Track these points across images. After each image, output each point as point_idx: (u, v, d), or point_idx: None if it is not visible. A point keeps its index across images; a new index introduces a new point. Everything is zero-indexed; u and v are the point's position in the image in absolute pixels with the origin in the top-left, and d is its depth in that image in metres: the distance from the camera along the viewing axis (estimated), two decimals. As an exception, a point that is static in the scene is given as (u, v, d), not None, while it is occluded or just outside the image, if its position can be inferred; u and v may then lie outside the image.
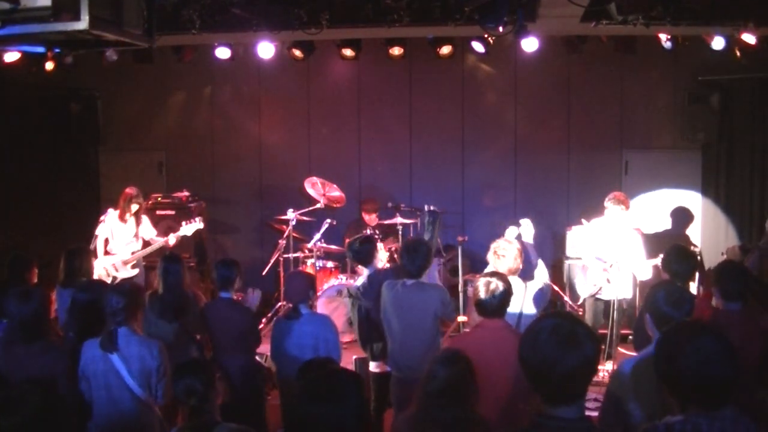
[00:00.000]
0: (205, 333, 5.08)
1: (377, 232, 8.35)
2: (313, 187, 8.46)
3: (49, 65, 8.02)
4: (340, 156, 9.58)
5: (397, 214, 8.41)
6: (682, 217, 7.55)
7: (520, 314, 4.50)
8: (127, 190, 7.15)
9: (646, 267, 6.43)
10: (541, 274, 4.92)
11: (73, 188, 9.40)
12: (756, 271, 5.64)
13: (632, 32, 7.10)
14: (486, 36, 7.61)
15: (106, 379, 3.98)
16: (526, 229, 5.14)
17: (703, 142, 8.81)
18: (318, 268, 8.02)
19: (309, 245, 8.18)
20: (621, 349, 6.80)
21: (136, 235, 7.16)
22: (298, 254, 8.29)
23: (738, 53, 7.29)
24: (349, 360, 6.10)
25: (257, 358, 5.41)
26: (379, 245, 8.04)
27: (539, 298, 4.68)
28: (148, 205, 7.92)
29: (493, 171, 9.48)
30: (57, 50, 6.44)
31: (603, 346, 6.41)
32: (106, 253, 7.01)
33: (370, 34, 7.72)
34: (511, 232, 5.07)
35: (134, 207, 7.08)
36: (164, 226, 7.65)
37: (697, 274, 6.55)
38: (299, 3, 6.49)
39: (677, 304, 3.31)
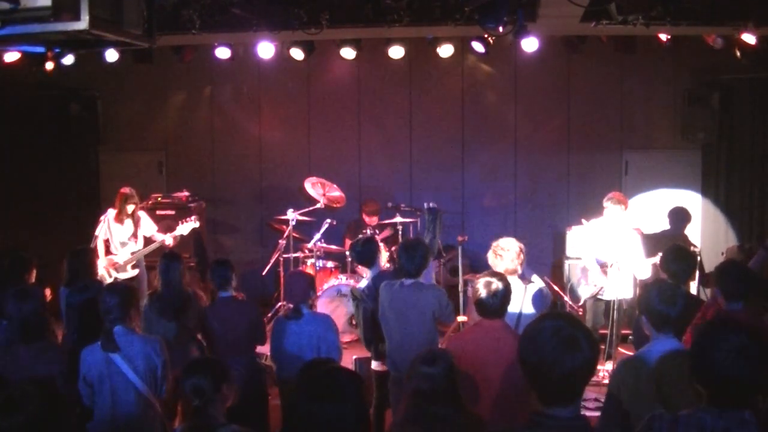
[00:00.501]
0: (205, 333, 5.08)
1: (377, 232, 8.36)
2: (313, 187, 8.46)
3: (49, 65, 8.02)
4: (340, 156, 9.58)
5: (397, 214, 8.41)
6: (681, 217, 7.54)
7: (520, 314, 4.50)
8: (122, 189, 7.16)
9: (645, 266, 6.44)
10: (537, 280, 4.93)
11: (73, 188, 9.40)
12: (760, 270, 5.62)
13: (632, 32, 7.10)
14: (486, 36, 7.61)
15: (111, 382, 3.96)
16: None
17: (703, 142, 8.81)
18: (318, 268, 8.02)
19: (309, 245, 8.18)
20: (621, 349, 6.80)
21: (135, 235, 7.16)
22: (298, 254, 8.29)
23: (738, 53, 7.29)
24: (349, 360, 6.10)
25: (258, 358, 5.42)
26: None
27: (540, 299, 4.67)
28: (147, 205, 7.92)
29: (493, 171, 9.48)
30: (57, 50, 6.45)
31: (603, 346, 6.42)
32: (108, 253, 7.01)
33: (370, 34, 7.72)
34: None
35: (130, 207, 7.07)
36: (164, 226, 7.65)
37: (697, 274, 6.56)
38: (299, 3, 6.49)
39: (671, 301, 3.31)
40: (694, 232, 8.19)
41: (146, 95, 9.72)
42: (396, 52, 8.32)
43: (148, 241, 7.20)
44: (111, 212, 7.07)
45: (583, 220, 6.90)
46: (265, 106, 9.72)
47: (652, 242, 6.94)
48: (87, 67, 8.58)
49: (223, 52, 8.20)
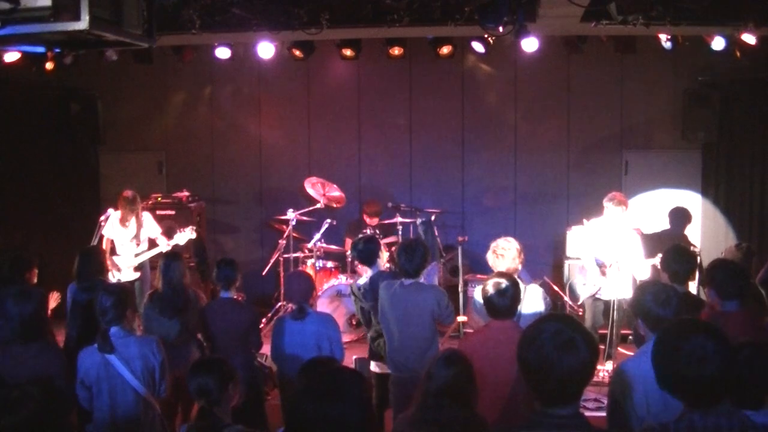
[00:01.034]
0: (204, 333, 5.08)
1: (377, 231, 8.35)
2: (313, 187, 8.46)
3: (49, 65, 8.02)
4: (340, 156, 9.58)
5: (397, 214, 8.42)
6: (681, 216, 7.54)
7: (519, 314, 4.50)
8: (124, 193, 7.15)
9: (644, 266, 6.44)
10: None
11: (73, 188, 9.40)
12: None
13: (632, 32, 7.10)
14: (486, 36, 7.61)
15: (110, 384, 3.97)
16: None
17: (703, 142, 8.81)
18: (318, 268, 8.02)
19: (309, 245, 8.18)
20: (621, 349, 6.80)
21: (137, 237, 7.15)
22: (298, 254, 8.29)
23: (738, 53, 7.29)
24: (349, 360, 6.10)
25: (258, 358, 5.42)
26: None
27: (542, 300, 4.67)
28: (147, 205, 7.91)
29: (493, 171, 9.48)
30: (57, 50, 6.44)
31: (603, 346, 6.42)
32: (113, 253, 7.01)
33: (370, 34, 7.72)
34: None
35: (131, 210, 7.06)
36: (164, 226, 7.65)
37: (697, 274, 6.56)
38: (299, 3, 6.49)
39: (666, 304, 3.32)
40: (694, 232, 8.19)
41: (146, 95, 9.72)
42: (396, 52, 8.32)
43: (151, 243, 7.20)
44: (114, 213, 7.06)
45: (584, 220, 6.90)
46: (265, 106, 9.72)
47: (652, 242, 6.95)
48: (87, 67, 8.59)
49: (223, 52, 8.20)
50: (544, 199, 9.30)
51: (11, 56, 7.24)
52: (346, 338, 7.65)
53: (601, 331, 6.61)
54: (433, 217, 8.60)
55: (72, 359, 4.14)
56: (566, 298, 7.48)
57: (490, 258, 4.75)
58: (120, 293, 4.14)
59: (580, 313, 7.06)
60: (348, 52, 8.28)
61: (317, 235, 8.10)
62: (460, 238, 7.86)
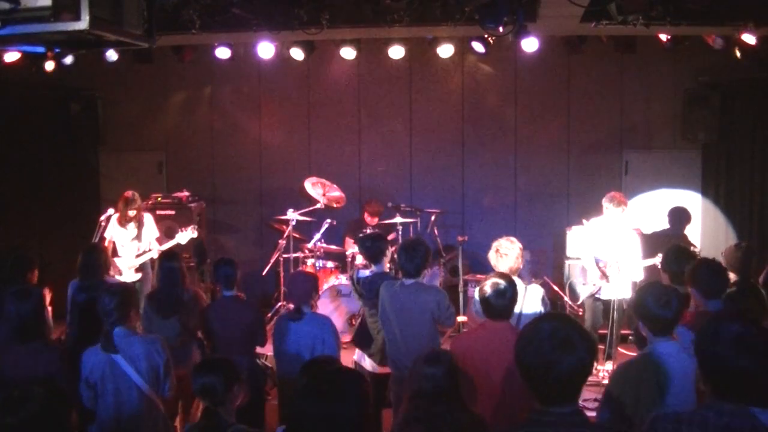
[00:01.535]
0: (205, 332, 5.09)
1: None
2: (313, 187, 8.46)
3: (49, 65, 8.02)
4: (340, 156, 9.58)
5: (397, 214, 8.42)
6: (681, 216, 7.54)
7: (520, 314, 4.50)
8: (125, 193, 7.15)
9: (638, 268, 6.45)
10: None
11: (73, 188, 9.40)
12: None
13: (632, 32, 7.10)
14: (486, 36, 7.61)
15: (115, 384, 3.97)
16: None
17: (703, 142, 8.80)
18: (318, 268, 8.02)
19: (309, 245, 8.18)
20: (621, 349, 6.80)
21: (138, 238, 7.15)
22: (298, 254, 8.29)
23: (738, 53, 7.29)
24: (349, 360, 6.10)
25: (258, 358, 5.42)
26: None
27: (541, 302, 4.67)
28: (147, 205, 7.92)
29: (493, 171, 9.48)
30: (57, 50, 6.45)
31: (602, 346, 6.42)
32: (114, 254, 7.01)
33: (370, 34, 7.72)
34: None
35: (132, 212, 7.06)
36: (164, 226, 7.65)
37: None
38: (299, 3, 6.49)
39: (667, 305, 3.33)
40: (694, 232, 8.19)
41: (146, 95, 9.72)
42: (396, 52, 8.32)
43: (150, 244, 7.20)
44: (113, 213, 7.06)
45: (584, 220, 6.90)
46: (265, 106, 9.72)
47: (652, 242, 6.95)
48: (87, 67, 8.58)
49: (223, 52, 8.21)
50: (544, 199, 9.29)
51: (11, 56, 7.24)
52: (345, 338, 7.66)
53: (601, 331, 6.61)
54: (433, 217, 8.60)
55: (72, 359, 4.14)
56: (566, 298, 7.48)
57: (493, 257, 4.74)
58: (123, 294, 4.14)
59: (580, 313, 7.06)
60: (348, 52, 8.28)
61: (317, 235, 8.11)
62: (460, 238, 7.87)
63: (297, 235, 8.39)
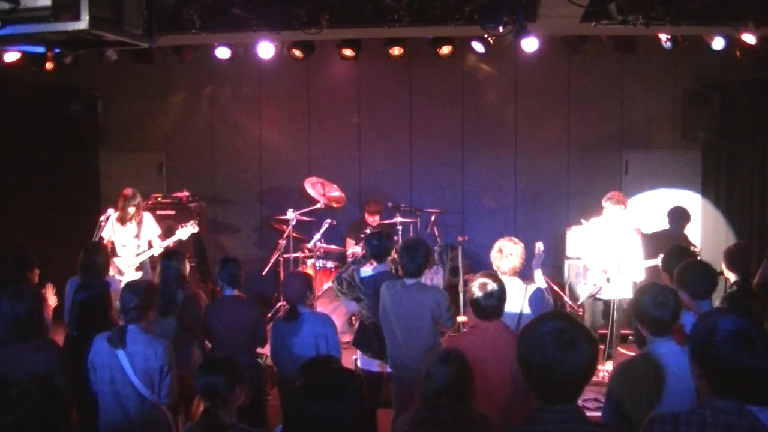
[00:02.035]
0: (206, 332, 5.09)
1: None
2: (313, 187, 8.46)
3: (49, 65, 8.02)
4: (340, 156, 9.58)
5: (397, 214, 8.41)
6: (681, 216, 7.54)
7: (520, 314, 4.50)
8: (125, 191, 7.15)
9: (639, 268, 6.44)
10: (539, 280, 4.92)
11: (73, 188, 9.40)
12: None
13: (632, 32, 7.10)
14: (486, 36, 7.61)
15: (111, 373, 4.03)
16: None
17: (703, 142, 8.81)
18: (318, 268, 8.01)
19: (309, 245, 8.18)
20: (621, 349, 6.80)
21: (138, 236, 7.15)
22: (298, 254, 8.29)
23: (738, 53, 7.29)
24: (349, 360, 6.10)
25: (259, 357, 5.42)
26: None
27: (541, 299, 4.66)
28: (147, 205, 7.91)
29: (493, 171, 9.48)
30: (57, 50, 6.43)
31: (603, 346, 6.42)
32: (113, 254, 7.01)
33: (370, 34, 7.72)
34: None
35: (131, 209, 7.05)
36: (164, 226, 7.65)
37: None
38: (299, 3, 6.49)
39: (663, 306, 3.32)
40: (694, 232, 8.19)
41: (146, 95, 9.72)
42: (396, 52, 8.32)
43: (151, 244, 7.20)
44: (114, 214, 7.06)
45: (582, 221, 6.90)
46: (265, 106, 9.73)
47: (652, 242, 6.95)
48: (87, 67, 8.59)
49: (223, 52, 8.21)
50: (544, 199, 9.30)
51: (11, 56, 7.24)
52: (345, 338, 7.66)
53: (601, 331, 6.61)
54: (433, 217, 8.60)
55: (72, 357, 4.15)
56: (566, 298, 7.49)
57: (496, 258, 4.72)
58: (145, 293, 4.19)
59: (580, 313, 7.07)
60: (348, 52, 8.29)
61: (317, 235, 8.10)
62: (460, 238, 7.86)
63: (297, 235, 8.39)
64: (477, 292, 3.91)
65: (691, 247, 6.54)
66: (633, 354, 4.29)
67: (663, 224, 7.71)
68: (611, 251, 6.35)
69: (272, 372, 5.75)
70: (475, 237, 8.57)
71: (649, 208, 8.75)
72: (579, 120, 9.24)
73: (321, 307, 7.49)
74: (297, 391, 2.43)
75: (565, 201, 9.24)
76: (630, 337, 7.10)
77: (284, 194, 9.36)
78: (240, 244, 9.75)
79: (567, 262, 7.91)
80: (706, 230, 8.90)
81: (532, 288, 4.69)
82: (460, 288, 7.33)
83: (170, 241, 7.07)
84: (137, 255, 7.10)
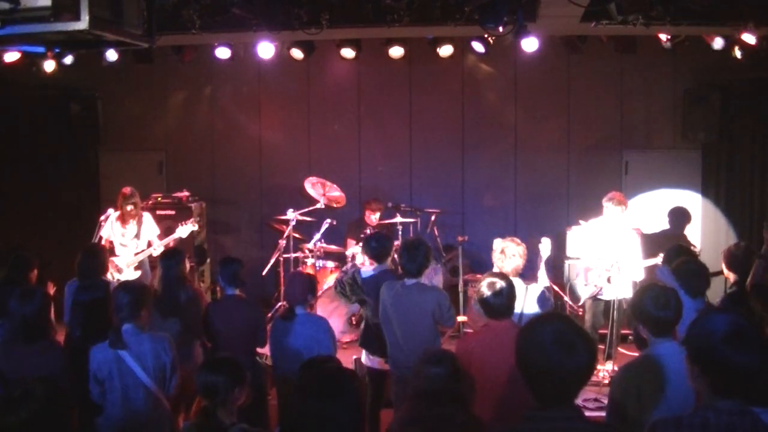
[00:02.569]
0: (207, 331, 5.09)
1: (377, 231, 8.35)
2: (313, 187, 8.46)
3: (49, 65, 8.02)
4: (340, 156, 9.57)
5: (397, 214, 8.41)
6: (681, 216, 7.55)
7: (521, 314, 4.50)
8: (123, 189, 7.15)
9: (639, 268, 6.44)
10: (542, 279, 4.93)
11: (73, 188, 9.40)
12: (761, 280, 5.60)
13: (632, 32, 7.10)
14: (486, 36, 7.61)
15: (122, 381, 4.00)
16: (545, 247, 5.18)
17: (703, 142, 8.81)
18: (318, 268, 8.01)
19: (309, 245, 8.18)
20: (621, 349, 6.80)
21: (138, 236, 7.15)
22: (298, 254, 8.29)
23: (738, 53, 7.29)
24: (349, 360, 6.10)
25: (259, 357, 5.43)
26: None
27: (542, 299, 4.67)
28: (147, 205, 7.91)
29: (493, 171, 9.48)
30: (57, 50, 6.45)
31: (603, 346, 6.42)
32: (111, 254, 7.01)
33: (370, 34, 7.72)
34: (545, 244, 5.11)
35: (130, 207, 7.05)
36: (164, 226, 7.64)
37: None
38: (299, 3, 6.49)
39: (665, 306, 3.32)
40: (694, 232, 8.19)
41: (146, 95, 9.71)
42: (396, 52, 8.32)
43: (150, 244, 7.20)
44: (114, 213, 7.06)
45: (581, 221, 6.90)
46: (265, 106, 9.72)
47: (652, 242, 6.95)
48: (87, 67, 8.58)
49: (223, 52, 8.20)
50: (544, 199, 9.29)
51: (11, 56, 7.23)
52: (345, 338, 7.67)
53: (601, 331, 6.61)
54: (433, 217, 8.60)
55: (76, 358, 4.15)
56: (566, 298, 7.48)
57: (499, 258, 4.73)
58: (137, 291, 4.19)
59: (580, 313, 7.06)
60: (348, 52, 8.28)
61: (317, 235, 8.10)
62: (460, 238, 7.86)
63: (297, 235, 8.39)
64: (486, 291, 3.93)
65: (691, 248, 6.55)
66: (633, 354, 4.30)
67: (663, 224, 7.72)
68: (611, 251, 6.34)
69: (272, 371, 5.76)
70: (475, 237, 8.56)
71: (649, 208, 8.75)
72: (579, 120, 9.24)
73: (321, 307, 7.48)
74: (295, 390, 2.44)
75: (565, 201, 9.24)
76: (630, 337, 7.09)
77: (284, 194, 9.35)
78: (240, 244, 9.74)
79: (567, 262, 7.91)
80: (706, 230, 8.89)
81: (533, 288, 4.70)
82: (460, 288, 7.34)
83: (170, 239, 7.08)
84: (136, 254, 7.09)
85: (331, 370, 2.68)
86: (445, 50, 8.18)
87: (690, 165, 9.01)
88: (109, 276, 6.75)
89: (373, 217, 8.50)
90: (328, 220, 8.13)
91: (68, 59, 7.88)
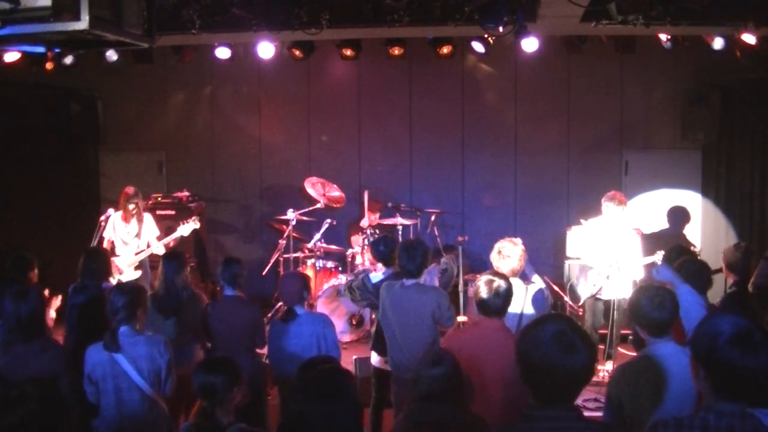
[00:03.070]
0: (206, 331, 5.09)
1: (377, 231, 8.36)
2: (313, 187, 8.46)
3: (49, 65, 8.02)
4: (340, 156, 9.58)
5: (397, 214, 8.41)
6: (680, 216, 7.56)
7: (521, 315, 4.50)
8: (126, 189, 7.16)
9: (639, 266, 6.45)
10: (537, 280, 4.92)
11: (73, 188, 9.40)
12: (765, 281, 5.60)
13: (632, 32, 7.10)
14: (486, 36, 7.61)
15: (116, 383, 4.00)
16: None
17: (703, 142, 8.80)
18: (318, 268, 8.02)
19: (309, 245, 8.18)
20: (621, 349, 6.81)
21: (138, 235, 7.15)
22: (298, 254, 8.29)
23: (738, 53, 7.29)
24: (349, 360, 6.10)
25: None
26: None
27: (541, 300, 4.67)
28: (147, 205, 7.91)
29: (493, 171, 9.48)
30: (57, 50, 6.45)
31: (603, 346, 6.42)
32: (112, 254, 7.01)
33: (370, 34, 7.72)
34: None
35: (132, 206, 7.07)
36: (164, 226, 7.65)
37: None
38: (299, 3, 6.49)
39: (661, 306, 3.31)
40: (694, 232, 8.20)
41: (146, 95, 9.72)
42: (396, 52, 8.32)
43: (149, 244, 7.20)
44: (114, 214, 7.06)
45: (582, 221, 6.90)
46: (265, 106, 9.72)
47: (652, 242, 6.95)
48: (87, 67, 8.59)
49: (223, 52, 8.20)
50: (544, 199, 9.30)
51: (11, 56, 7.24)
52: (345, 338, 7.67)
53: (601, 331, 6.61)
54: (433, 217, 8.60)
55: (74, 358, 4.15)
56: (566, 298, 7.48)
57: (495, 259, 4.73)
58: (132, 293, 4.17)
59: (580, 313, 7.07)
60: (348, 52, 8.28)
61: (317, 235, 8.11)
62: (460, 238, 7.85)
63: (297, 235, 8.39)
64: (483, 289, 3.93)
65: (691, 247, 6.56)
66: (633, 354, 4.30)
67: (663, 224, 7.72)
68: (611, 251, 6.35)
69: (272, 372, 5.76)
70: (475, 237, 8.56)
71: (649, 208, 8.75)
72: (579, 120, 9.24)
73: (321, 307, 7.49)
74: (295, 390, 2.44)
75: (565, 201, 9.24)
76: (630, 337, 7.09)
77: (284, 194, 9.35)
78: (240, 244, 9.75)
79: (567, 262, 7.91)
80: (706, 230, 8.89)
81: (532, 288, 4.70)
82: (460, 288, 7.33)
83: (171, 238, 7.09)
84: (137, 254, 7.10)
85: (330, 371, 2.69)
86: (445, 50, 8.18)
87: (690, 165, 9.01)
88: (111, 279, 6.78)
89: (372, 217, 8.50)
90: (328, 220, 8.14)
91: (68, 59, 7.89)
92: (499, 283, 3.94)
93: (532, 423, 2.24)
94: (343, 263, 8.32)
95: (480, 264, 8.21)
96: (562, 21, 6.69)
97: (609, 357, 6.41)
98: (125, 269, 7.01)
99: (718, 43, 7.25)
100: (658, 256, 5.91)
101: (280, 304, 7.89)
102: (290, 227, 8.14)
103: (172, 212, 8.28)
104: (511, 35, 6.40)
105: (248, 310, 5.07)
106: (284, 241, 8.23)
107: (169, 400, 4.23)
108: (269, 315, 8.00)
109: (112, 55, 7.97)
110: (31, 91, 8.84)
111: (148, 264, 7.18)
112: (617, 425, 3.14)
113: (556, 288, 7.64)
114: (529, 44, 7.41)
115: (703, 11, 6.38)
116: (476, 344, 3.84)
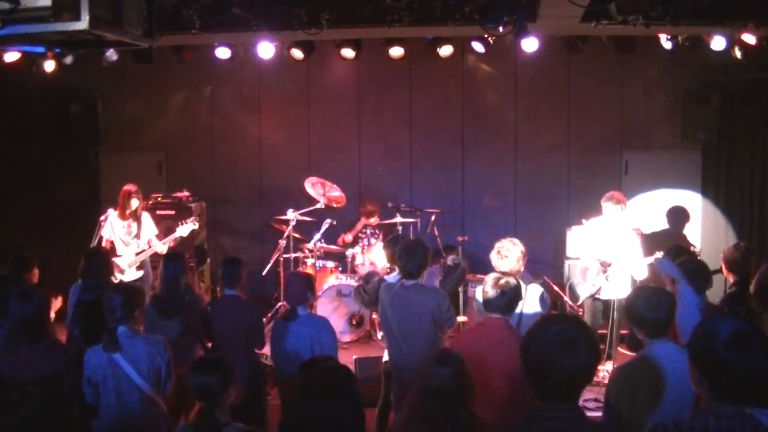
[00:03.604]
0: (206, 331, 5.09)
1: (376, 231, 8.37)
2: (313, 187, 8.46)
3: (49, 65, 8.02)
4: (340, 156, 9.58)
5: (397, 214, 8.41)
6: (680, 216, 7.54)
7: (521, 314, 4.51)
8: (126, 186, 7.15)
9: (642, 266, 6.44)
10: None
11: (73, 188, 9.40)
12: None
13: (632, 32, 7.10)
14: (486, 36, 7.61)
15: (116, 384, 3.99)
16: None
17: (703, 142, 8.80)
18: (318, 268, 8.02)
19: (309, 245, 8.18)
20: (621, 349, 6.81)
21: (138, 235, 7.15)
22: (298, 254, 8.29)
23: (738, 53, 7.29)
24: (349, 360, 6.11)
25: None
26: (379, 244, 8.08)
27: (541, 300, 4.68)
28: (147, 205, 7.91)
29: (493, 171, 9.48)
30: (57, 50, 6.45)
31: (602, 346, 6.42)
32: (113, 254, 7.01)
33: (370, 34, 7.72)
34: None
35: (134, 203, 7.07)
36: (164, 226, 7.65)
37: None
38: (299, 3, 6.48)
39: (657, 307, 3.31)
40: (694, 232, 8.19)
41: (146, 95, 9.71)
42: (396, 52, 8.32)
43: (150, 243, 7.20)
44: (113, 213, 7.06)
45: (583, 220, 6.90)
46: (265, 106, 9.72)
47: (652, 242, 6.95)
48: (87, 67, 8.58)
49: (223, 52, 8.20)
50: (544, 199, 9.29)
51: (11, 56, 7.24)
52: (345, 338, 7.68)
53: (600, 331, 6.61)
54: (433, 217, 8.60)
55: (78, 358, 4.15)
56: (566, 298, 7.48)
57: (494, 258, 4.74)
58: (129, 293, 4.17)
59: (580, 313, 7.06)
60: (348, 52, 8.28)
61: (317, 235, 8.11)
62: (460, 238, 7.87)
63: (297, 235, 8.39)
64: (490, 286, 3.94)
65: (691, 248, 6.55)
66: (633, 354, 4.30)
67: (663, 224, 7.71)
68: (611, 251, 6.34)
69: (272, 371, 5.77)
70: (475, 237, 8.57)
71: (649, 208, 8.75)
72: (579, 120, 9.24)
73: (321, 307, 7.49)
74: (294, 390, 2.44)
75: (565, 201, 9.24)
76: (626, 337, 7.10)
77: (284, 194, 9.35)
78: (240, 244, 9.74)
79: (567, 262, 7.91)
80: (706, 230, 8.89)
81: (533, 288, 4.70)
82: (460, 288, 7.33)
83: (171, 238, 7.09)
84: (138, 254, 7.10)
85: (331, 370, 2.69)
86: (445, 50, 8.19)
87: (690, 165, 9.01)
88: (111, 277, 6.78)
89: (366, 220, 8.50)
90: (328, 220, 8.14)
91: (68, 59, 7.89)
92: (507, 281, 3.96)
93: (535, 422, 2.24)
94: (343, 263, 8.32)
95: (480, 264, 8.20)
96: (562, 21, 6.69)
97: (609, 357, 6.41)
98: (126, 270, 7.01)
99: (718, 43, 7.25)
100: (658, 257, 5.91)
101: (280, 304, 7.90)
102: (290, 227, 8.14)
103: (172, 212, 8.27)
104: (511, 35, 6.39)
105: (248, 310, 5.07)
106: (284, 241, 8.23)
107: (168, 401, 4.23)
108: (269, 315, 8.01)
109: (112, 55, 7.97)
110: (31, 91, 8.84)
111: (149, 264, 7.18)
112: (617, 426, 3.14)
113: (556, 288, 7.64)
114: (529, 44, 7.41)
115: (703, 11, 6.39)
116: (480, 344, 3.85)
